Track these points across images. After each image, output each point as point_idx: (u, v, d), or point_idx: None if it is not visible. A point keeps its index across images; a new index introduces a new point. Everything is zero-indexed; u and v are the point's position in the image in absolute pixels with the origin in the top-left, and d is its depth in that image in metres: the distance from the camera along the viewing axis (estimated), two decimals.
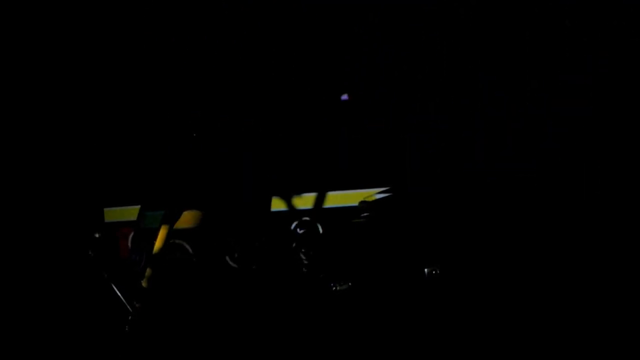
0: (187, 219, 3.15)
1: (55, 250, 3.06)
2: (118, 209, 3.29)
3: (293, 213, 3.23)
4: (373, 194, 3.21)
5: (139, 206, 3.18)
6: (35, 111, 3.24)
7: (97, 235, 3.04)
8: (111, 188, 3.32)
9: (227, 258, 3.16)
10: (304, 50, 3.43)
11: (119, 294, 2.86)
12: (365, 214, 3.18)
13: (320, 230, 3.20)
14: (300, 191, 3.26)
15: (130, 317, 2.83)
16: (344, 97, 3.55)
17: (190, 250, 3.14)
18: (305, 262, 3.15)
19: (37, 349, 2.75)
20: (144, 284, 2.92)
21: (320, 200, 3.24)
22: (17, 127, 3.19)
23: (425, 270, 3.05)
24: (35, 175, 3.16)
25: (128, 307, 2.84)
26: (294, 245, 3.17)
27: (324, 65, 3.42)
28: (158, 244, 2.99)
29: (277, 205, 3.25)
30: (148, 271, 2.95)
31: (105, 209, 3.30)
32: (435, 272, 3.04)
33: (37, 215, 3.11)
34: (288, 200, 3.25)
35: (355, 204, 3.21)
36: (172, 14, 3.40)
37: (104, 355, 2.74)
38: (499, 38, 3.28)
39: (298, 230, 3.21)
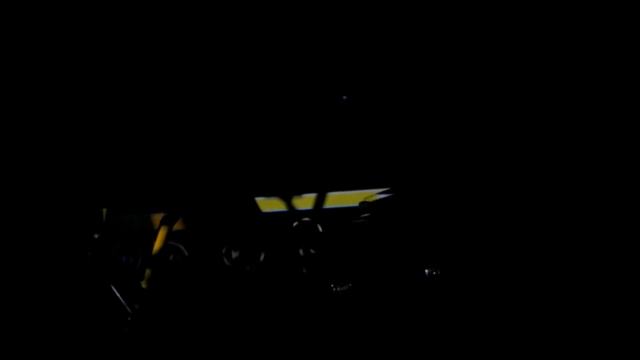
0: (183, 220, 3.14)
1: (54, 251, 3.05)
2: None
3: (293, 214, 3.22)
4: (373, 194, 3.20)
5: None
6: (36, 111, 3.24)
7: (96, 236, 3.03)
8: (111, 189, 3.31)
9: (225, 259, 3.14)
10: (303, 49, 3.43)
11: (117, 295, 2.85)
12: (365, 215, 3.18)
13: (320, 231, 3.19)
14: (300, 192, 3.26)
15: (129, 318, 2.82)
16: (344, 97, 3.55)
17: (186, 252, 3.13)
18: (306, 262, 3.14)
19: (37, 349, 2.73)
20: (143, 285, 2.90)
21: (320, 200, 3.24)
22: (18, 127, 3.18)
23: (426, 271, 3.04)
24: (34, 176, 3.15)
25: (127, 308, 2.83)
26: (294, 245, 3.16)
27: (323, 65, 3.42)
28: (157, 245, 2.98)
29: (277, 206, 3.25)
30: (147, 272, 2.94)
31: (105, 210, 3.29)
32: (436, 272, 3.03)
33: (36, 216, 3.10)
34: (288, 201, 3.24)
35: (356, 204, 3.21)
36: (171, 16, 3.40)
37: (104, 356, 2.72)
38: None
39: (298, 230, 3.20)
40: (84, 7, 3.34)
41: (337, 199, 3.24)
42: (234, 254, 3.14)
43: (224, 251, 3.13)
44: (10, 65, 3.21)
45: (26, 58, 3.25)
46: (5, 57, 3.19)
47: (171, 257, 3.10)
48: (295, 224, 3.21)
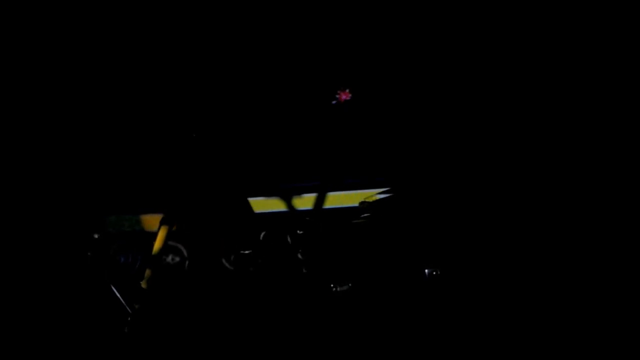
0: (182, 221, 3.14)
1: (55, 251, 3.05)
2: None
3: (293, 214, 3.22)
4: (373, 194, 3.20)
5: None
6: (36, 112, 3.24)
7: (95, 236, 3.03)
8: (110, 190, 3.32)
9: (223, 260, 3.14)
10: (302, 48, 3.42)
11: (117, 295, 2.85)
12: (365, 215, 3.17)
13: (321, 231, 3.19)
14: (300, 192, 3.26)
15: (129, 318, 2.82)
16: (342, 96, 3.55)
17: (185, 252, 3.13)
18: (305, 262, 3.14)
19: (37, 349, 2.73)
20: (143, 285, 2.90)
21: (320, 200, 3.23)
22: (18, 128, 3.19)
23: (426, 271, 3.04)
24: (35, 176, 3.16)
25: (127, 308, 2.83)
26: (294, 245, 3.16)
27: (322, 63, 3.42)
28: (157, 246, 2.99)
29: (278, 205, 3.25)
30: (147, 272, 2.94)
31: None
32: (436, 272, 3.02)
33: (36, 216, 3.10)
34: (288, 201, 3.24)
35: (356, 204, 3.21)
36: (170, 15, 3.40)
37: (104, 356, 2.72)
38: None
39: (298, 230, 3.20)
40: (81, 7, 3.34)
41: (337, 199, 3.23)
42: (232, 256, 3.14)
43: (222, 253, 3.14)
44: (8, 66, 3.21)
45: (25, 59, 3.25)
46: (5, 57, 3.20)
47: (171, 257, 3.10)
48: (295, 223, 3.21)
